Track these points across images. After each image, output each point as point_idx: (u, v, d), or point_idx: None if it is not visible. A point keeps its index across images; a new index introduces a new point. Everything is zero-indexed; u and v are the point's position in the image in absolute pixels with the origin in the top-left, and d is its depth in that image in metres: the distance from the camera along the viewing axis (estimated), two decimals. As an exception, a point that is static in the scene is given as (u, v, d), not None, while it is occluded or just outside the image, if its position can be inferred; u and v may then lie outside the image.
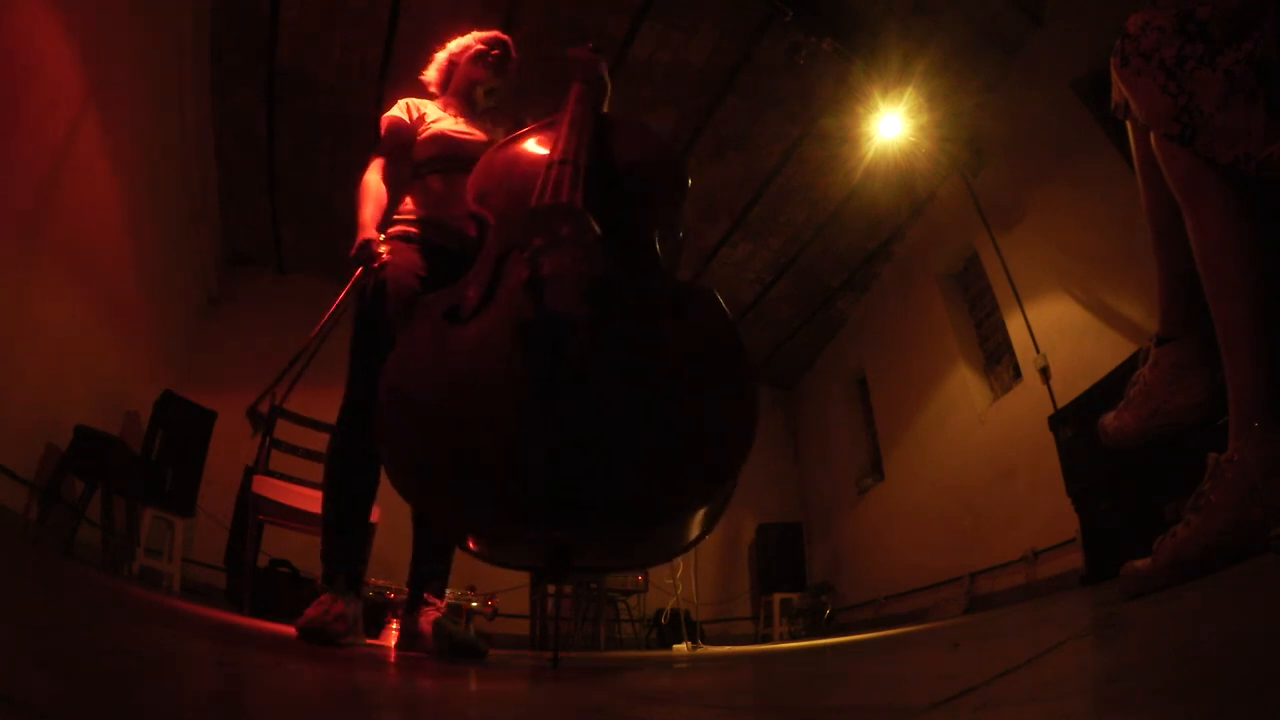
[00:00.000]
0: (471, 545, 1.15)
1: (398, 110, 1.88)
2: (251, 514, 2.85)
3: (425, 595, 1.64)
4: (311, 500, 2.59)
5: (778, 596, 5.54)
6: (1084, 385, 3.05)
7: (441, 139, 1.82)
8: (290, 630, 1.48)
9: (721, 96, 4.28)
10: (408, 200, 1.80)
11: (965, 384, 4.72)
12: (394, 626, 2.43)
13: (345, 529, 1.58)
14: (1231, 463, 0.79)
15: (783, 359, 6.89)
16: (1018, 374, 4.17)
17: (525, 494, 1.05)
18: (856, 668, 1.15)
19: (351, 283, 1.71)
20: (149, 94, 3.48)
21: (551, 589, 3.95)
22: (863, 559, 5.75)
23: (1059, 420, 3.11)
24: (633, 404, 1.09)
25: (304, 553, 2.67)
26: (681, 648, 4.04)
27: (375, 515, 2.84)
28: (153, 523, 3.50)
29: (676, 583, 4.92)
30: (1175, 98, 0.88)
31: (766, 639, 5.49)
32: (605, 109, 1.66)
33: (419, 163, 1.82)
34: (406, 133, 1.84)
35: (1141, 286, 3.03)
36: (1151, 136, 0.95)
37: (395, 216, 1.78)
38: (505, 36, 2.02)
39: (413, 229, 1.74)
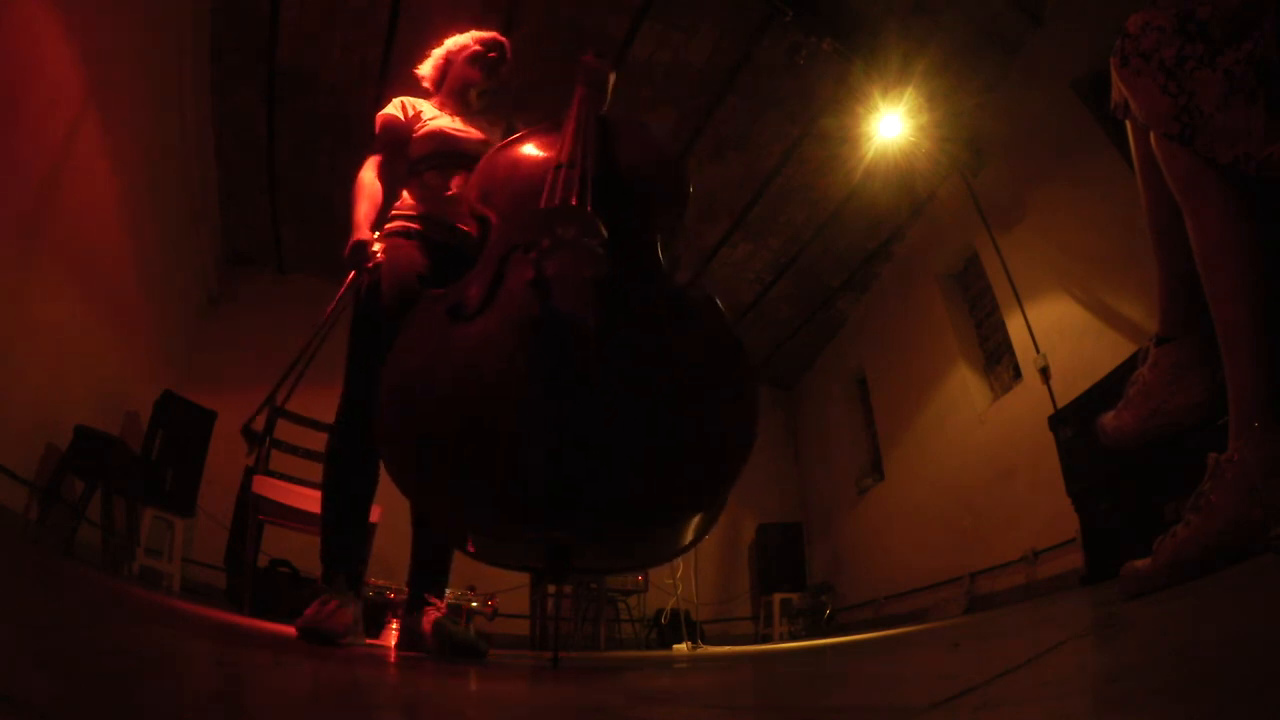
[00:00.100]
0: (470, 548, 1.15)
1: (393, 108, 1.87)
2: (251, 514, 2.85)
3: (425, 595, 1.64)
4: (311, 500, 2.59)
5: (778, 596, 5.54)
6: (1084, 385, 3.05)
7: (440, 136, 1.82)
8: (290, 630, 1.48)
9: (721, 96, 4.28)
10: (407, 196, 1.79)
11: (965, 384, 4.72)
12: (394, 626, 2.43)
13: (344, 529, 1.58)
14: (1231, 463, 0.79)
15: (783, 359, 6.89)
16: (1018, 374, 4.17)
17: (527, 493, 1.05)
18: (856, 668, 1.15)
19: (346, 285, 1.71)
20: (149, 94, 3.48)
21: (551, 589, 3.95)
22: (863, 559, 5.75)
23: (1059, 420, 3.11)
24: (635, 406, 1.10)
25: (304, 553, 2.67)
26: (681, 648, 4.04)
27: (375, 515, 2.84)
28: (153, 523, 3.50)
29: (676, 583, 4.92)
30: (1175, 97, 0.88)
31: (766, 639, 5.49)
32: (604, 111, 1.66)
33: (416, 159, 1.81)
34: (402, 131, 1.84)
35: (1141, 286, 3.03)
36: (1151, 136, 0.95)
37: (394, 212, 1.78)
38: (503, 39, 2.02)
39: (414, 225, 1.74)
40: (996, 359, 4.68)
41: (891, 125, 4.16)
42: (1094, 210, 3.46)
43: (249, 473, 3.15)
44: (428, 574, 1.69)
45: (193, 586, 3.99)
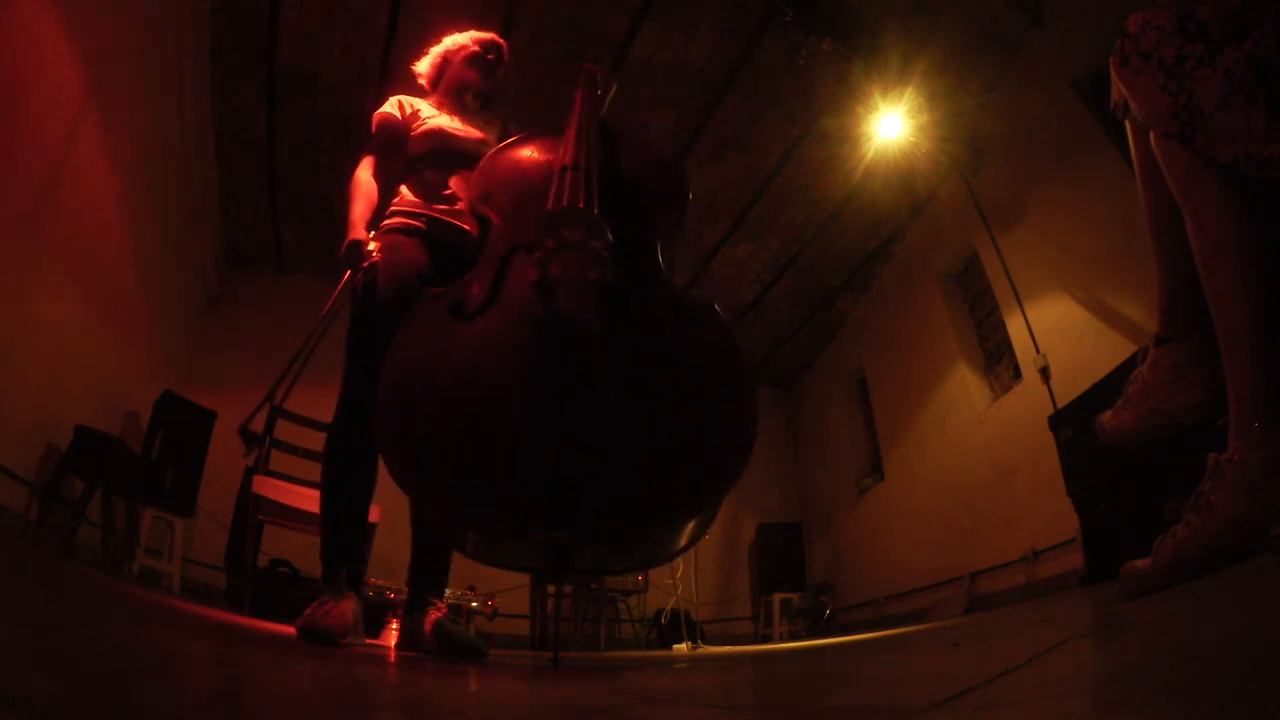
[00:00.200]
0: (470, 548, 1.15)
1: (390, 107, 1.87)
2: (251, 514, 2.85)
3: (426, 595, 1.64)
4: (311, 500, 2.59)
5: (778, 596, 5.54)
6: (1084, 385, 3.05)
7: (439, 135, 1.82)
8: (290, 630, 1.48)
9: (721, 96, 4.28)
10: (406, 193, 1.79)
11: (965, 384, 4.72)
12: (394, 626, 2.43)
13: (343, 528, 1.58)
14: (1231, 463, 0.79)
15: (783, 359, 6.89)
16: (1018, 374, 4.17)
17: (529, 492, 1.05)
18: (856, 668, 1.15)
19: (342, 284, 1.71)
20: (149, 94, 3.48)
21: (551, 589, 3.95)
22: (863, 559, 5.75)
23: (1059, 420, 3.11)
24: (637, 408, 1.12)
25: (304, 553, 2.67)
26: (681, 648, 4.04)
27: (375, 515, 2.84)
28: (153, 523, 3.50)
29: (676, 583, 4.92)
30: (1175, 97, 0.88)
31: (766, 639, 5.49)
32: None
33: (414, 157, 1.81)
34: (399, 129, 1.84)
35: (1141, 286, 3.03)
36: (1151, 136, 0.95)
37: (393, 208, 1.77)
38: (501, 41, 2.02)
39: (415, 222, 1.73)
40: (996, 359, 4.68)
41: (891, 125, 4.16)
42: (1094, 210, 3.46)
43: (249, 473, 3.15)
44: (428, 574, 1.68)
45: (193, 586, 3.99)
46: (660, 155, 1.61)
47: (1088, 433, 2.68)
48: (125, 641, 0.76)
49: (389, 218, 1.76)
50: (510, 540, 1.09)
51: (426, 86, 2.00)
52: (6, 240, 2.45)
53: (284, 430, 3.11)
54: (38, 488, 2.80)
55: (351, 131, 4.19)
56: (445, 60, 1.99)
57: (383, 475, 1.41)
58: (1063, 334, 3.69)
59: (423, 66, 2.01)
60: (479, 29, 2.05)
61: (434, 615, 1.58)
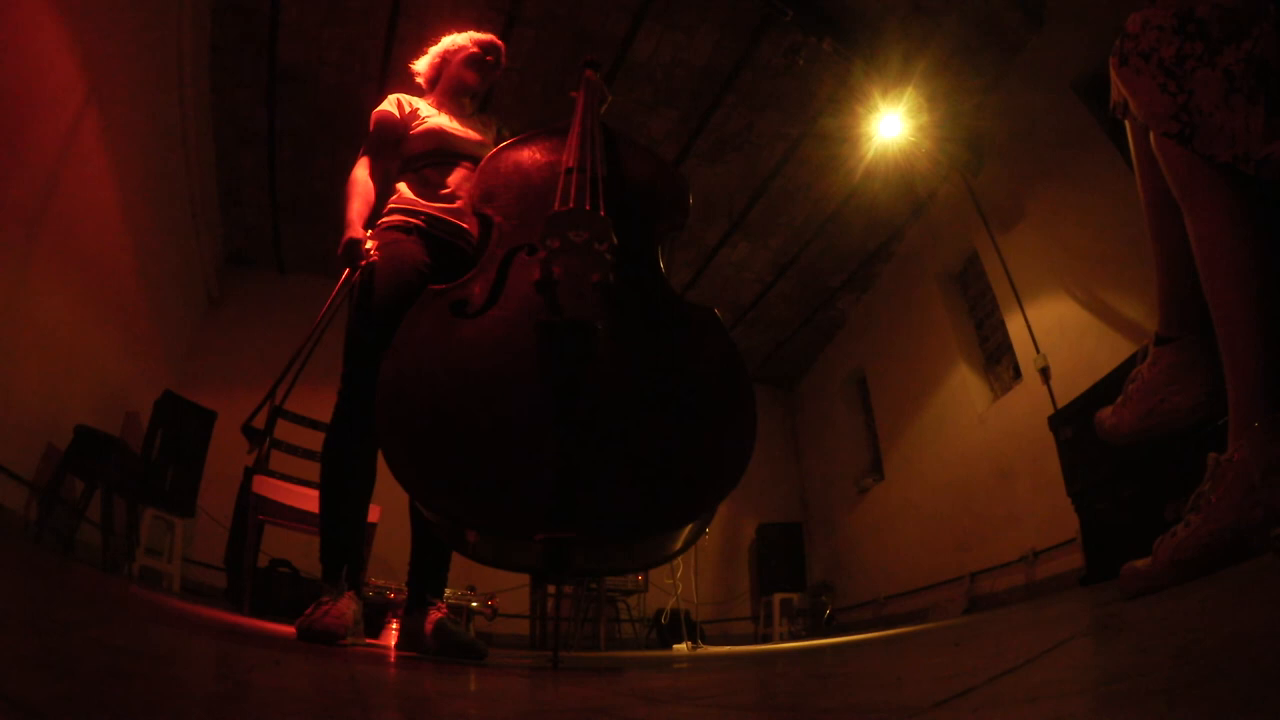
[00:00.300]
0: (469, 548, 1.15)
1: (389, 105, 1.87)
2: (251, 514, 2.85)
3: (426, 595, 1.64)
4: (311, 500, 2.59)
5: (778, 596, 5.54)
6: (1084, 385, 3.05)
7: (440, 134, 1.82)
8: (290, 630, 1.48)
9: (721, 97, 4.28)
10: (406, 191, 1.78)
11: (965, 384, 4.72)
12: (394, 626, 2.43)
13: (343, 528, 1.58)
14: (1231, 463, 0.79)
15: (783, 359, 6.89)
16: (1018, 374, 4.18)
17: (529, 491, 1.06)
18: (856, 668, 1.15)
19: (341, 283, 1.71)
20: (149, 94, 3.49)
21: (551, 589, 3.95)
22: (863, 559, 5.76)
23: (1059, 420, 3.11)
24: (637, 410, 1.13)
25: (304, 553, 2.67)
26: (681, 648, 4.04)
27: (375, 515, 2.85)
28: (153, 523, 3.50)
29: (676, 583, 4.92)
30: (1174, 96, 0.88)
31: (766, 639, 5.49)
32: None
33: (413, 156, 1.81)
34: (398, 128, 1.84)
35: (1141, 286, 3.03)
36: (1151, 136, 0.95)
37: (392, 205, 1.77)
38: (500, 43, 2.02)
39: (414, 220, 1.73)
40: (996, 359, 4.68)
41: (891, 125, 4.16)
42: (1094, 210, 3.46)
43: (249, 473, 3.16)
44: (428, 573, 1.68)
45: (193, 586, 3.99)
46: (661, 160, 1.64)
47: (1088, 433, 2.68)
48: (125, 641, 0.76)
49: (387, 215, 1.76)
50: (510, 539, 1.09)
51: (424, 86, 2.00)
52: (6, 240, 2.45)
53: (283, 430, 3.10)
54: (38, 488, 2.80)
55: (352, 130, 4.19)
56: (444, 60, 1.99)
57: (382, 476, 1.41)
58: (1063, 334, 3.69)
59: (421, 65, 2.01)
60: (479, 29, 2.05)
61: (434, 615, 1.58)
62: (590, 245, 1.23)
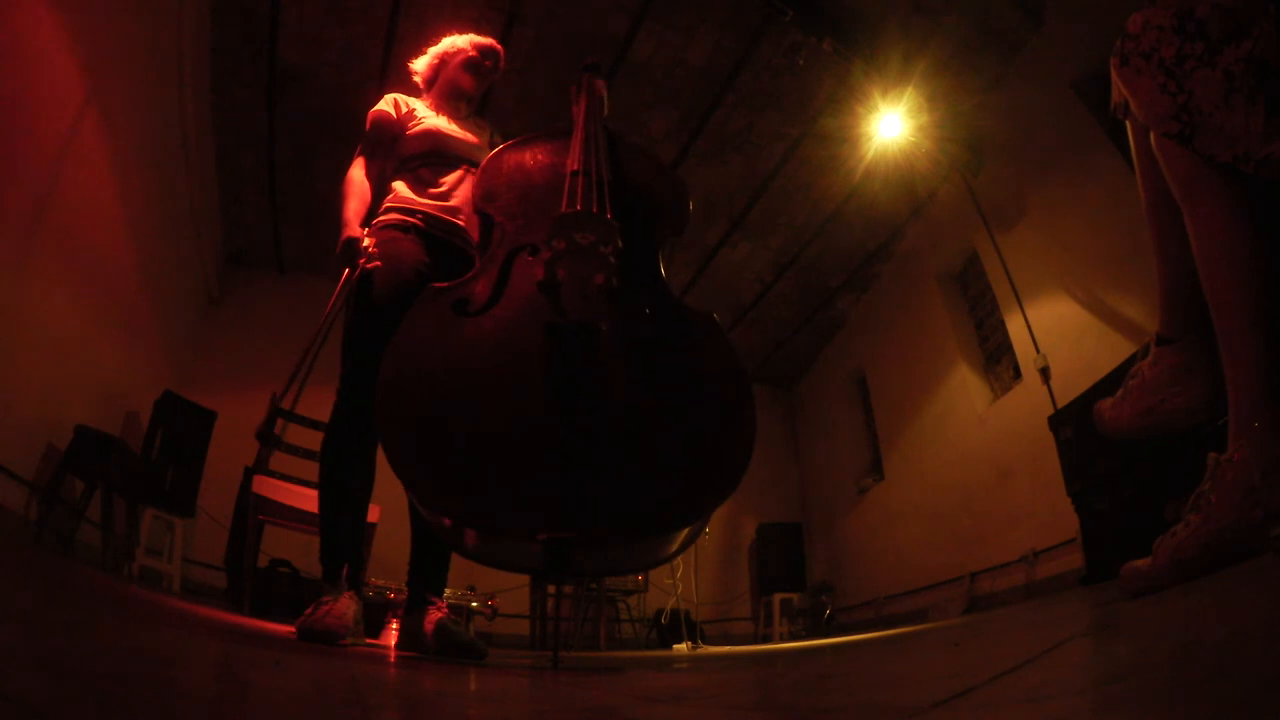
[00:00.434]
0: (469, 548, 1.15)
1: (385, 105, 1.87)
2: (251, 514, 2.85)
3: (427, 595, 1.64)
4: (311, 500, 2.58)
5: (778, 596, 5.54)
6: (1084, 385, 3.05)
7: (436, 135, 1.82)
8: (290, 630, 1.48)
9: (721, 96, 4.28)
10: (403, 190, 1.79)
11: (965, 384, 4.72)
12: (394, 626, 2.43)
13: (342, 527, 1.58)
14: (1231, 463, 0.79)
15: (783, 359, 6.89)
16: (1018, 374, 4.17)
17: (532, 490, 1.06)
18: (856, 668, 1.15)
19: (342, 283, 1.71)
20: (149, 94, 3.49)
21: (551, 589, 3.95)
22: (863, 559, 5.76)
23: (1059, 420, 3.11)
24: (638, 412, 1.14)
25: (304, 553, 2.67)
26: (681, 648, 4.04)
27: (375, 515, 2.85)
28: (153, 523, 3.50)
29: (676, 583, 4.92)
30: (1175, 97, 0.88)
31: (766, 639, 5.49)
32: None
33: (409, 157, 1.81)
34: (394, 128, 1.84)
35: (1141, 286, 3.03)
36: (1151, 136, 0.95)
37: (389, 204, 1.77)
38: (499, 48, 2.02)
39: (412, 219, 1.73)
40: (996, 359, 4.68)
41: (891, 125, 4.16)
42: (1094, 210, 3.46)
43: (249, 473, 3.16)
44: (428, 573, 1.68)
45: (193, 586, 3.99)
46: (662, 164, 1.65)
47: (1088, 433, 2.68)
48: (125, 641, 0.76)
49: (384, 214, 1.76)
50: (511, 539, 1.09)
51: (421, 86, 2.00)
52: (6, 240, 2.45)
53: (282, 430, 3.10)
54: (38, 488, 2.80)
55: (352, 131, 4.14)
56: (442, 61, 1.98)
57: (382, 476, 1.41)
58: (1063, 334, 3.69)
59: (419, 65, 2.01)
60: (480, 31, 2.05)
61: (435, 615, 1.58)
62: (596, 248, 1.24)
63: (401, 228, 1.72)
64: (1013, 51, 3.97)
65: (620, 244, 1.25)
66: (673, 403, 1.17)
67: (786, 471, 7.02)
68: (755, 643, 5.43)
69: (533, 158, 1.52)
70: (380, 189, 1.81)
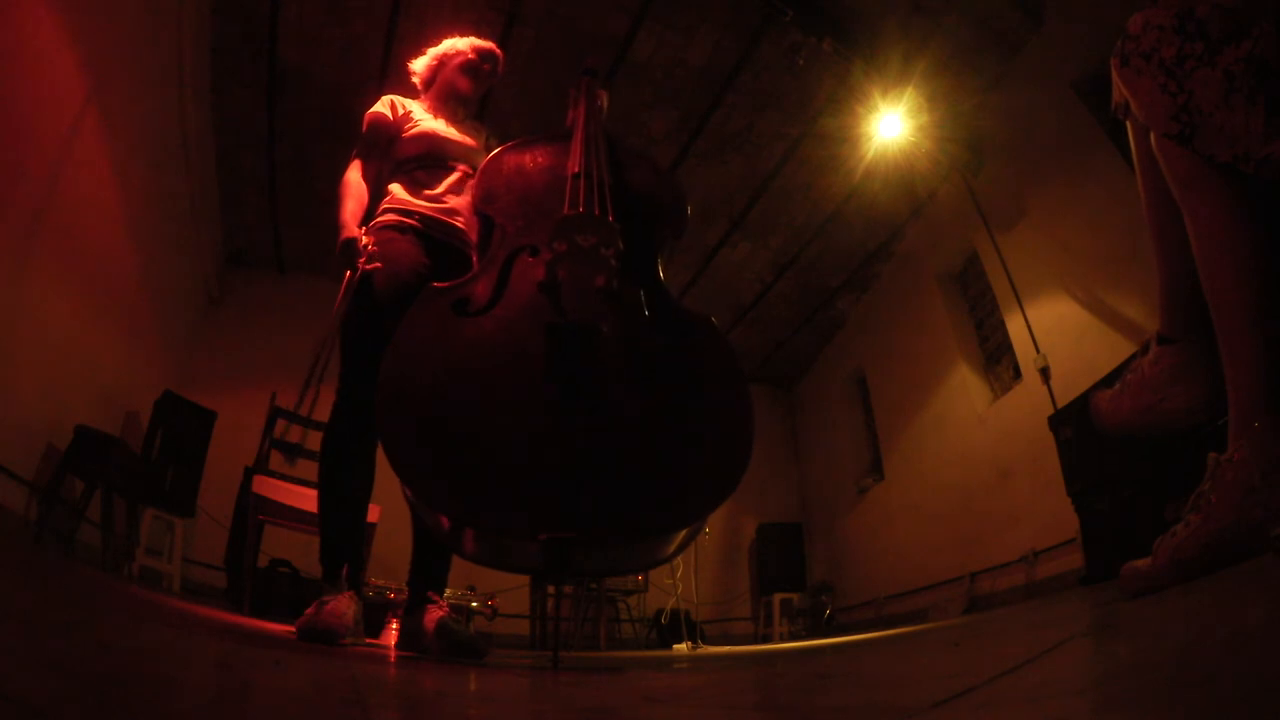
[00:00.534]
0: (468, 548, 1.15)
1: (382, 106, 1.87)
2: (251, 514, 2.85)
3: (428, 594, 1.64)
4: (311, 500, 2.58)
5: (778, 596, 5.54)
6: (1084, 385, 3.05)
7: (431, 138, 1.82)
8: (290, 630, 1.48)
9: (721, 96, 4.28)
10: (399, 191, 1.78)
11: (965, 384, 4.72)
12: (394, 626, 2.43)
13: (342, 527, 1.58)
14: (1231, 463, 0.79)
15: (783, 359, 6.89)
16: (1018, 374, 4.17)
17: (532, 490, 1.07)
18: (856, 668, 1.15)
19: (345, 284, 1.71)
20: (149, 94, 3.49)
21: (551, 589, 3.95)
22: (863, 559, 5.76)
23: (1059, 420, 3.11)
24: (639, 414, 1.15)
25: (304, 553, 2.67)
26: (681, 648, 4.04)
27: (375, 515, 2.85)
28: (153, 523, 3.50)
29: (676, 583, 4.92)
30: (1175, 97, 0.88)
31: (766, 639, 5.49)
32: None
33: (405, 159, 1.81)
34: (390, 129, 1.84)
35: (1142, 286, 3.03)
36: (1151, 136, 0.95)
37: (386, 205, 1.77)
38: (499, 51, 2.01)
39: (409, 220, 1.73)
40: (996, 359, 4.68)
41: (891, 125, 4.16)
42: (1094, 210, 3.46)
43: (249, 473, 3.16)
44: (429, 572, 1.68)
45: (193, 586, 3.99)
46: (661, 168, 1.66)
47: (1088, 433, 2.68)
48: (125, 641, 0.76)
49: (382, 215, 1.76)
50: (511, 539, 1.09)
51: (420, 86, 2.00)
52: (6, 240, 2.45)
53: (283, 430, 3.11)
54: (38, 488, 2.80)
55: (351, 131, 4.15)
56: (440, 63, 1.98)
57: (382, 476, 1.41)
58: (1063, 334, 3.69)
59: (418, 65, 2.01)
60: (479, 30, 2.05)
61: (436, 614, 1.57)
62: (597, 250, 1.24)
63: (399, 229, 1.72)
64: (1013, 52, 3.97)
65: (621, 246, 1.26)
66: (672, 403, 1.18)
67: (786, 471, 7.02)
68: (755, 643, 5.43)
69: (532, 160, 1.52)
70: (377, 191, 1.81)
